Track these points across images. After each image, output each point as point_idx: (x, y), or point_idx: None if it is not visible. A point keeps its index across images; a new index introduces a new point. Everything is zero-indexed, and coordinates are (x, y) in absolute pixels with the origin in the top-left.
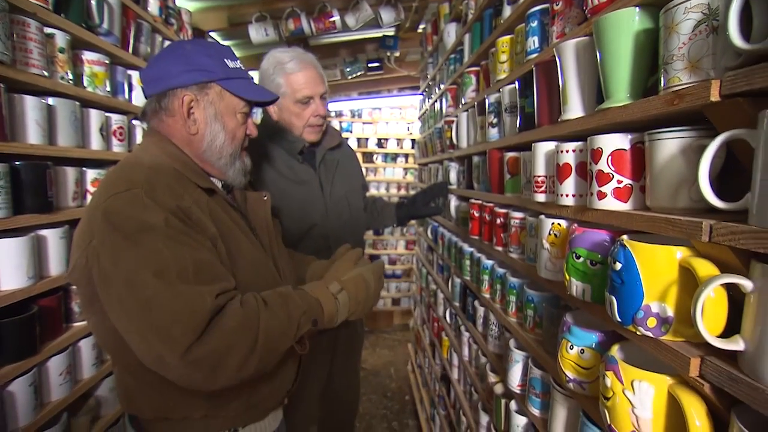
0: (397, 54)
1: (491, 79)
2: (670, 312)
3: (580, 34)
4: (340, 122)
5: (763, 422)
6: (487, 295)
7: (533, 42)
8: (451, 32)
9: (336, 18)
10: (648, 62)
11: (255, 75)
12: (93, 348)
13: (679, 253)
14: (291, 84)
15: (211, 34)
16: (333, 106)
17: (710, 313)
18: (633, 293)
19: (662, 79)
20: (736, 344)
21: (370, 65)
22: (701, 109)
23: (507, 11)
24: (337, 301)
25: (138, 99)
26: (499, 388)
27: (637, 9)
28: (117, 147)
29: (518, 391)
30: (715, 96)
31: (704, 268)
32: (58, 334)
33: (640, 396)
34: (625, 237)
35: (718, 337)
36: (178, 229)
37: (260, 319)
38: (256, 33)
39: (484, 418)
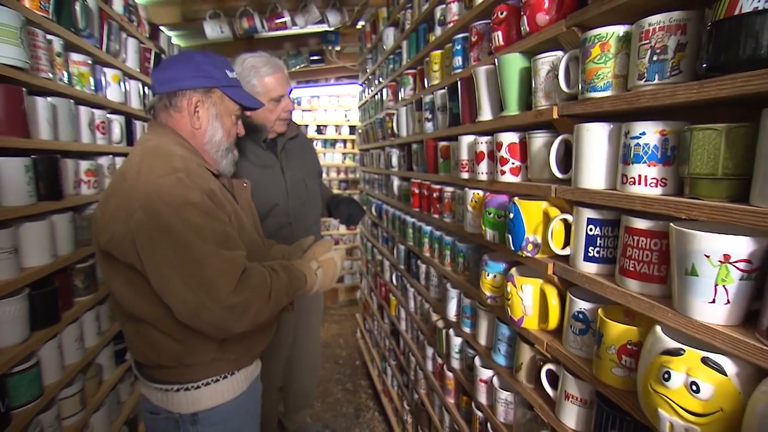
0: (338, 48)
1: (426, 82)
2: (540, 240)
3: (489, 62)
4: None
5: (582, 293)
6: (428, 254)
7: (458, 60)
8: (389, 36)
9: (287, 18)
10: (528, 87)
11: None
12: (95, 320)
13: (544, 204)
14: (265, 85)
15: (162, 27)
16: None
17: (556, 237)
18: (519, 231)
19: (534, 100)
20: (567, 251)
21: (312, 58)
22: (551, 122)
23: (438, 31)
24: (316, 276)
25: (112, 95)
26: (440, 324)
27: (520, 54)
28: (100, 140)
29: (454, 320)
30: (555, 115)
31: (553, 212)
32: (71, 306)
33: (526, 293)
34: (516, 198)
35: (560, 249)
36: (210, 206)
37: (272, 280)
38: (212, 30)
39: (429, 351)
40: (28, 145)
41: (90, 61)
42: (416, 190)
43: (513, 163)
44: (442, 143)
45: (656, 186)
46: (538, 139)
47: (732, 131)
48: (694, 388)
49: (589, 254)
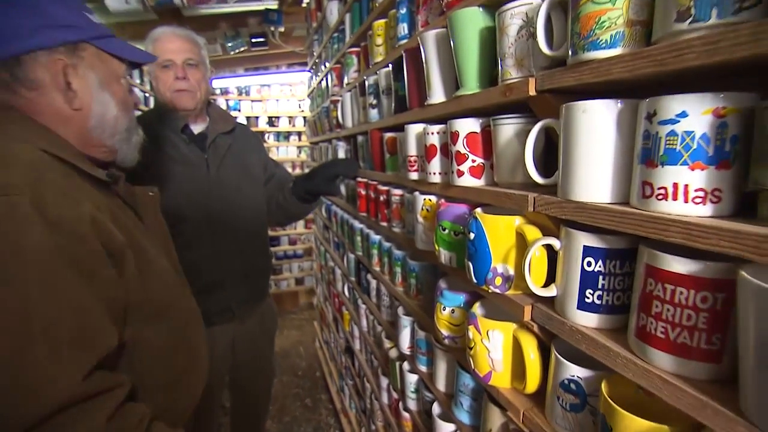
0: (282, 29)
1: (370, 60)
2: (511, 271)
3: (440, 25)
4: (227, 100)
5: (571, 350)
6: (378, 269)
7: (403, 28)
8: (333, 10)
9: None
10: (491, 56)
11: None
12: None
13: (517, 221)
14: (155, 51)
15: None
16: (217, 83)
17: (535, 269)
18: (483, 258)
19: (500, 71)
20: (552, 291)
21: (253, 40)
22: (526, 101)
23: None
24: None
25: None
26: (393, 353)
27: (480, 9)
28: None
29: (408, 353)
30: (532, 91)
31: (531, 232)
32: None
33: (494, 342)
34: (478, 210)
35: (542, 287)
36: (67, 256)
37: None
38: (114, 1)
39: (384, 381)
40: None
41: None
42: (362, 191)
43: (473, 161)
44: (389, 134)
45: (704, 202)
46: (508, 127)
47: None
48: None
49: (587, 299)
